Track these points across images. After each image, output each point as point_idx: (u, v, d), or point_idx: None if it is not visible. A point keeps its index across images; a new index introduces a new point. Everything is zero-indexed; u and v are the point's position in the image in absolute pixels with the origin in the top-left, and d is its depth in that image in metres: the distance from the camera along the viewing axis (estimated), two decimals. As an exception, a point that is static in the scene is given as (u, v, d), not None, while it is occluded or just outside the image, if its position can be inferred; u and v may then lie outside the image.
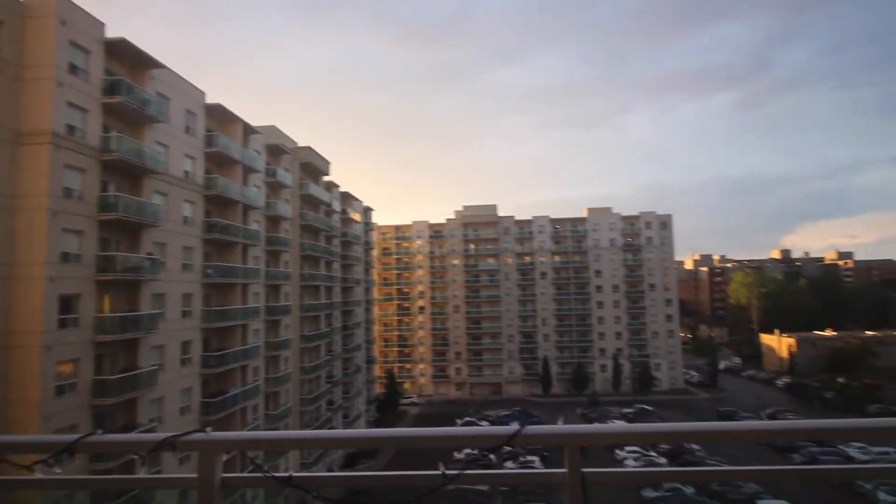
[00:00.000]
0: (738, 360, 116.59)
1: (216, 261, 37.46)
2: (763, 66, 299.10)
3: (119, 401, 26.71)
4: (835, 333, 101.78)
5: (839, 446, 50.27)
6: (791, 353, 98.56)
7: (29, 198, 23.61)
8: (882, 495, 38.49)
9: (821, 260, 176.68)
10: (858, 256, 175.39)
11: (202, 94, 36.89)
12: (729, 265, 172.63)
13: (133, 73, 30.04)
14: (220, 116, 39.24)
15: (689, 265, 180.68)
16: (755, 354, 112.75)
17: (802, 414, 67.77)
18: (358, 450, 54.91)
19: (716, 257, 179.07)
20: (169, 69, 32.49)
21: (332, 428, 56.35)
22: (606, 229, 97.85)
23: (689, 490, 40.68)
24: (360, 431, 2.21)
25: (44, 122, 24.01)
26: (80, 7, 26.09)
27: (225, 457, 2.10)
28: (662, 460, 50.12)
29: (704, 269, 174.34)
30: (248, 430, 38.60)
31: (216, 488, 2.00)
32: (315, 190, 54.16)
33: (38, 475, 2.07)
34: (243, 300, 40.20)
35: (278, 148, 48.52)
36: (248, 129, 42.64)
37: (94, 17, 27.04)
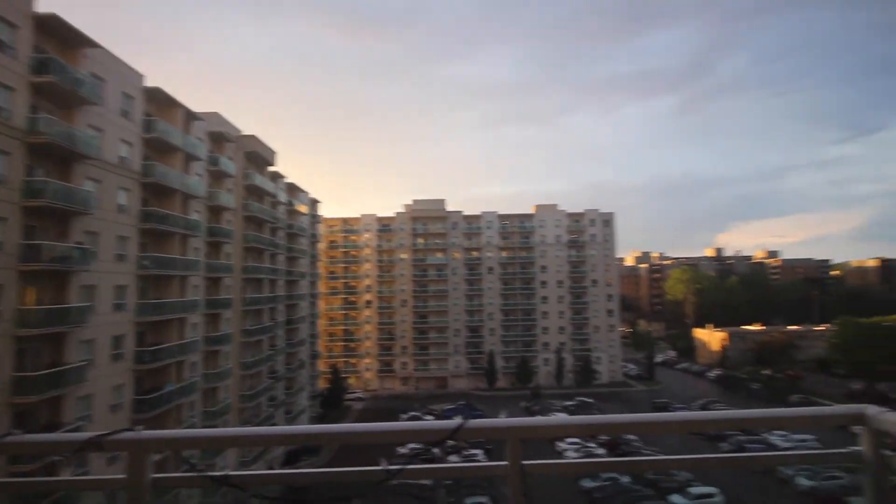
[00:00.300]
0: (673, 354, 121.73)
1: (153, 251, 35.88)
2: (701, 73, 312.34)
3: (42, 399, 25.20)
4: (762, 328, 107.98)
5: (763, 434, 53.44)
6: (722, 347, 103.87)
7: (-58, 181, 21.87)
8: (801, 480, 41.20)
9: (750, 258, 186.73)
10: (784, 255, 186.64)
11: (141, 76, 35.13)
12: (667, 262, 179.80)
13: (65, 51, 28.24)
14: (159, 101, 37.50)
15: (629, 262, 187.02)
16: (689, 348, 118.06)
17: (731, 404, 71.56)
18: (300, 446, 54.00)
19: (654, 254, 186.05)
20: (104, 49, 30.76)
21: (273, 424, 55.20)
22: (552, 226, 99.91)
23: (626, 479, 42.28)
24: (302, 428, 2.16)
25: (-40, 100, 22.27)
26: (2, -23, 24.30)
27: (157, 456, 2.01)
28: (601, 451, 51.82)
29: (644, 265, 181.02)
30: (184, 428, 37.30)
31: (146, 489, 1.92)
32: (260, 180, 52.71)
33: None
34: (181, 293, 38.71)
35: (221, 136, 46.90)
36: (190, 116, 40.98)
37: (19, -11, 25.24)
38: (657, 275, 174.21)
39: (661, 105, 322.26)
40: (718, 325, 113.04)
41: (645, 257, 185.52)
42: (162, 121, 36.48)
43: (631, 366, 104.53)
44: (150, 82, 36.01)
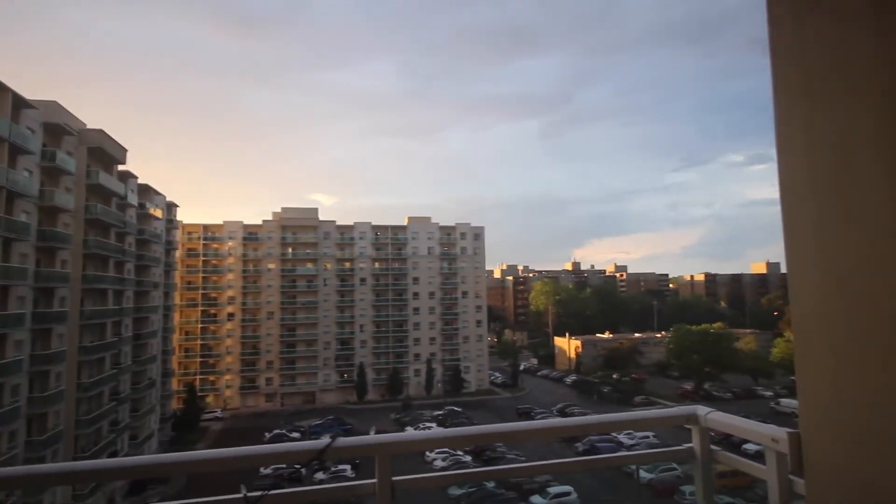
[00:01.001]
0: (535, 361, 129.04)
1: (-35, 257, 30.76)
2: (562, 101, 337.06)
3: None
4: (611, 335, 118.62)
5: (611, 433, 58.48)
6: (577, 354, 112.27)
7: None
8: (642, 472, 45.72)
9: (603, 272, 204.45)
10: (630, 269, 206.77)
11: (-46, 52, 30.17)
12: (531, 275, 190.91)
13: None
14: (-22, 82, 32.45)
15: (497, 274, 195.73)
16: (550, 355, 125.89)
17: (585, 406, 77.39)
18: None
19: (520, 267, 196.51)
20: None
21: (115, 452, 49.63)
22: (425, 238, 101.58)
23: (491, 484, 43.95)
24: (146, 458, 1.93)
25: None
26: None
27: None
28: (468, 458, 53.29)
29: (510, 278, 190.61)
30: (1, 464, 32.45)
31: None
32: (106, 179, 47.50)
33: None
34: (2, 306, 33.56)
35: (60, 128, 41.62)
36: (21, 102, 35.92)
37: None
38: (522, 286, 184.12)
39: (527, 127, 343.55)
40: (574, 333, 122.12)
41: (511, 270, 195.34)
42: (-18, 106, 31.60)
43: (497, 374, 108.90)
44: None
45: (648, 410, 2.47)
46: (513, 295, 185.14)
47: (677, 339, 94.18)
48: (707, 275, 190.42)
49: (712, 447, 2.44)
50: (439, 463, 51.00)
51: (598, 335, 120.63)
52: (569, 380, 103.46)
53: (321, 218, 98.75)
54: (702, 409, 2.47)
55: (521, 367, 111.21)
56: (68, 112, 44.16)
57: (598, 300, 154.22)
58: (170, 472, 1.98)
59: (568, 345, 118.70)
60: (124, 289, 53.11)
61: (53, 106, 42.01)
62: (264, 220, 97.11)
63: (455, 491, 43.09)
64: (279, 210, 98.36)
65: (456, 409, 78.44)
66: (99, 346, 46.28)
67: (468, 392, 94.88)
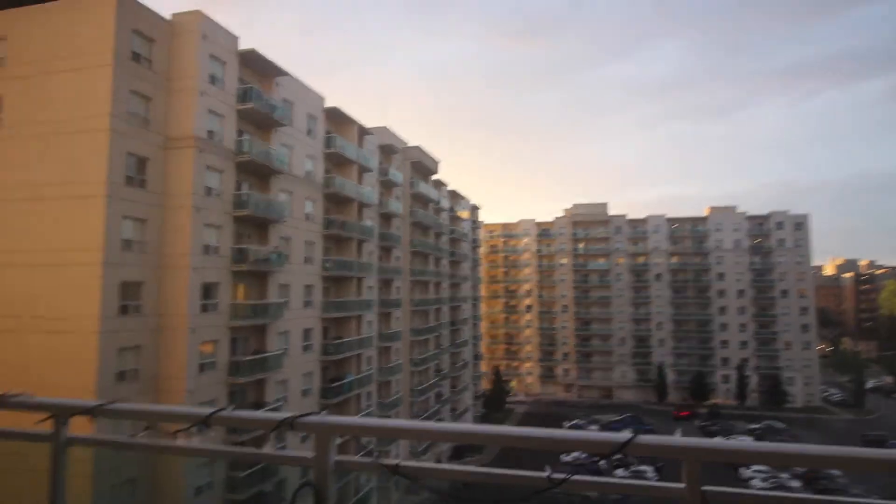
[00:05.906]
0: (889, 379, 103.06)
1: (334, 255, 39.68)
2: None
3: (250, 380, 29.20)
4: None
5: None
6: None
7: (176, 196, 26.45)
8: None
9: None
10: None
11: (322, 98, 39.18)
12: (879, 271, 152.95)
13: (261, 80, 32.57)
14: (337, 119, 41.47)
15: (829, 270, 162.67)
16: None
17: (973, 445, 58.35)
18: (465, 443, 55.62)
19: (863, 262, 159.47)
20: (293, 76, 34.88)
21: (440, 420, 57.59)
22: (730, 230, 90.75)
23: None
24: (472, 427, 2.20)
25: (188, 128, 26.75)
26: (218, 23, 28.75)
27: (339, 440, 2.19)
28: (795, 483, 45.65)
29: (848, 275, 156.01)
30: (362, 416, 40.43)
31: (329, 469, 2.10)
32: (424, 188, 55.56)
33: (180, 442, 2.31)
34: (358, 293, 42.22)
35: (390, 148, 50.34)
36: (363, 131, 44.61)
37: (230, 32, 29.61)
38: (867, 286, 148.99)
39: (868, 89, 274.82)
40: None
41: (850, 265, 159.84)
42: (339, 137, 40.28)
43: (833, 390, 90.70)
44: (326, 101, 39.93)
45: None
46: (853, 296, 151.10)
47: None
48: None
49: None
50: (757, 484, 44.97)
51: None
52: (945, 407, 79.61)
53: (611, 212, 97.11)
54: None
55: (869, 385, 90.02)
56: (394, 134, 53.09)
57: None
58: (485, 442, 2.21)
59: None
60: (441, 281, 61.35)
61: (384, 130, 51.06)
62: (556, 217, 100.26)
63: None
64: (570, 206, 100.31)
65: (776, 424, 68.01)
66: (425, 329, 54.52)
67: (792, 407, 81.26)
